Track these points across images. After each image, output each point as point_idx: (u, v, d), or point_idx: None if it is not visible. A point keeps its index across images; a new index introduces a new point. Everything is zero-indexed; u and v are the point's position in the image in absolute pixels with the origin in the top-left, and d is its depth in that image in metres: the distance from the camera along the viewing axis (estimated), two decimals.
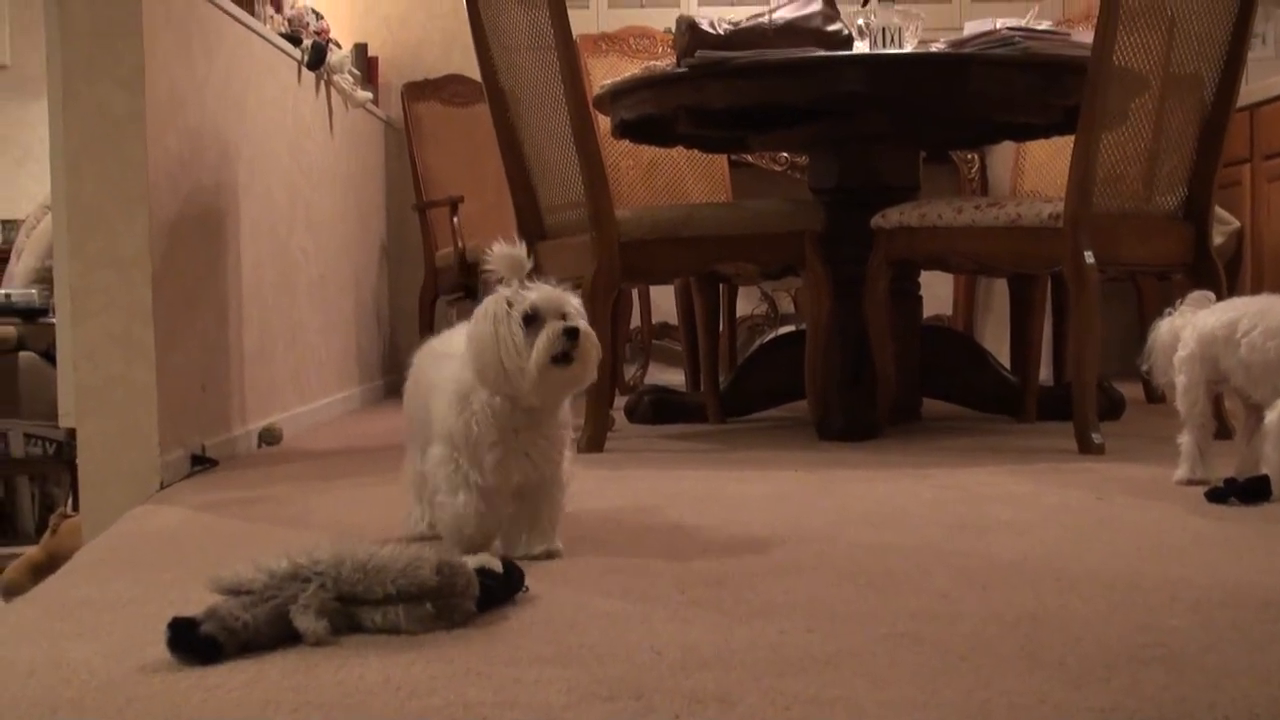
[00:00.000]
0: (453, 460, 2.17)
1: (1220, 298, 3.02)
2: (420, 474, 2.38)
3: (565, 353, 2.07)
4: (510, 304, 2.10)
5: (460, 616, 1.75)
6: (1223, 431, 3.07)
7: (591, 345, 2.12)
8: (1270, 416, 2.66)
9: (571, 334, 2.07)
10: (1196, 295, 3.03)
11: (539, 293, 2.11)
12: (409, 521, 2.48)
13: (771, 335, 5.25)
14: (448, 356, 2.28)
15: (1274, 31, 6.60)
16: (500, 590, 1.85)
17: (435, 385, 2.29)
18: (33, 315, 4.41)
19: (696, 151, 4.83)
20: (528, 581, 1.92)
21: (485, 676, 1.52)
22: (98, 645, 1.72)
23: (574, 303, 2.15)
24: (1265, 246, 5.58)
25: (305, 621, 1.65)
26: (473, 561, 1.83)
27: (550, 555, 2.21)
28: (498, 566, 1.87)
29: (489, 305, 2.13)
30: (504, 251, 2.15)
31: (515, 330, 2.07)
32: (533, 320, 2.08)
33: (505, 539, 2.23)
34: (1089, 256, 3.43)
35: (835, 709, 1.39)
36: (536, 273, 2.17)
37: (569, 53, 3.66)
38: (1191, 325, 2.91)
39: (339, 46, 5.68)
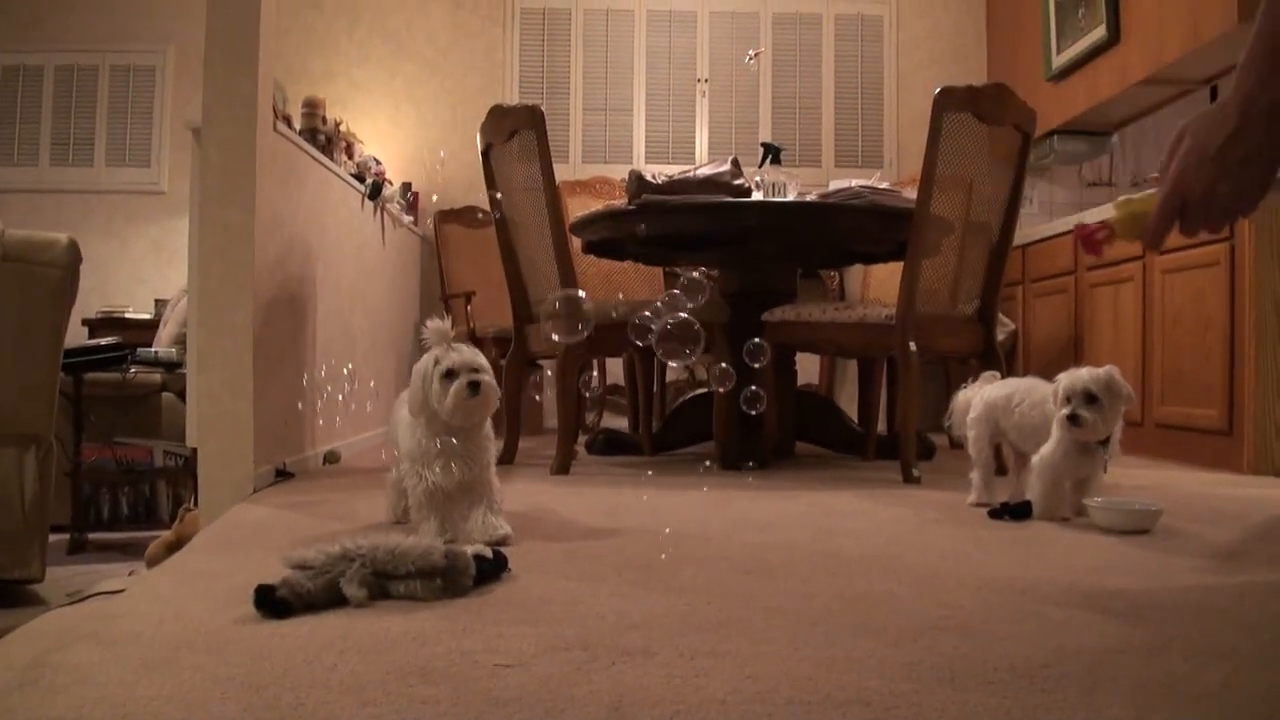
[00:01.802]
0: (416, 473, 2.25)
1: (1001, 377, 3.05)
2: (397, 478, 2.49)
3: (469, 397, 2.17)
4: (437, 361, 2.20)
5: (461, 589, 1.75)
6: (1000, 469, 3.09)
7: (490, 391, 2.21)
8: (1034, 459, 2.69)
9: (474, 386, 2.18)
10: (986, 374, 3.07)
11: (458, 355, 2.21)
12: (388, 514, 2.60)
13: (690, 394, 5.25)
14: (404, 404, 2.38)
15: (1038, 195, 6.73)
16: (490, 571, 1.85)
17: (397, 422, 2.41)
18: (172, 367, 4.37)
19: (641, 264, 4.85)
20: (510, 565, 1.92)
21: (477, 632, 1.51)
22: (207, 602, 1.70)
23: (481, 361, 2.24)
24: (1032, 342, 5.66)
25: (351, 590, 1.65)
26: (471, 549, 1.83)
27: (504, 540, 2.23)
28: (488, 553, 1.87)
29: (422, 362, 2.25)
30: (435, 325, 2.27)
31: (436, 382, 2.19)
32: (451, 375, 2.19)
33: (463, 533, 2.24)
34: (913, 345, 3.46)
35: (726, 659, 1.39)
36: (471, 341, 2.28)
37: (553, 194, 3.67)
38: (980, 395, 2.94)
39: (391, 184, 5.69)
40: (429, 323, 2.26)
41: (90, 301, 6.41)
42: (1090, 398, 2.53)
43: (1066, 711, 1.19)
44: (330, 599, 1.64)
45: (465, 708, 1.19)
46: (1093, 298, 5.00)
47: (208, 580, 1.92)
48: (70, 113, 6.87)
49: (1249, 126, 1.23)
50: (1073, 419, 2.53)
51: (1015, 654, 1.41)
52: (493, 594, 1.78)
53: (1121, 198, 1.45)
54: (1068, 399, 2.56)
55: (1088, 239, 1.55)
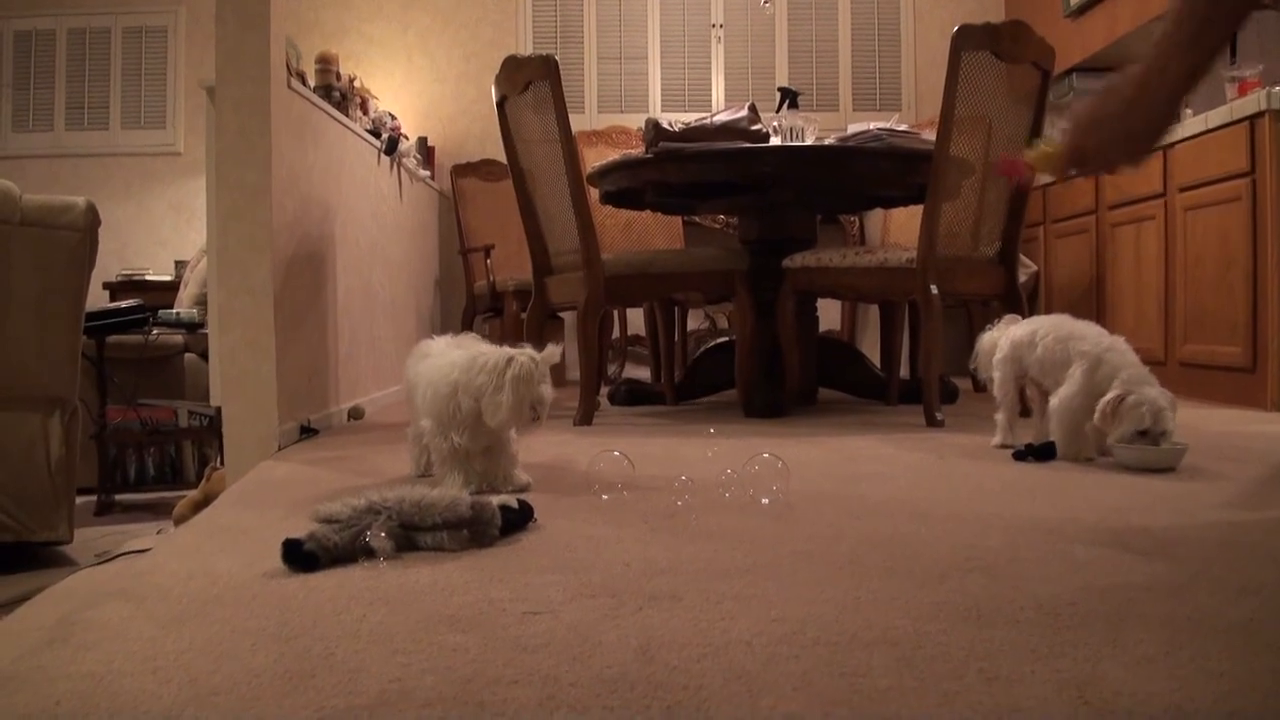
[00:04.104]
0: (442, 433, 2.26)
1: (1024, 318, 3.02)
2: (417, 433, 2.49)
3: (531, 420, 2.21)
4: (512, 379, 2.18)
5: (488, 540, 1.76)
6: (1024, 411, 3.08)
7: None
8: (1053, 402, 2.67)
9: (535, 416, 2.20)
10: (1008, 317, 3.05)
11: (535, 389, 2.19)
12: (413, 467, 2.58)
13: (712, 343, 5.24)
14: (427, 357, 2.40)
15: (1058, 135, 6.62)
16: (516, 520, 1.85)
17: (415, 381, 2.41)
18: (194, 328, 4.38)
19: (659, 214, 4.82)
20: (536, 515, 1.92)
21: (504, 581, 1.52)
22: (235, 558, 1.72)
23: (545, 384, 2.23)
24: (1053, 283, 5.61)
25: (378, 542, 1.66)
26: (496, 500, 1.83)
27: (525, 488, 2.29)
28: (514, 503, 1.87)
29: (451, 374, 2.25)
30: (547, 352, 2.24)
31: (506, 391, 2.18)
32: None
33: (489, 482, 2.29)
34: (934, 289, 3.44)
35: (753, 603, 1.39)
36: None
37: (569, 144, 3.65)
38: (1005, 335, 2.93)
39: (407, 138, 5.66)
40: (542, 352, 2.24)
41: (110, 265, 6.44)
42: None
43: (1094, 648, 1.18)
44: (357, 552, 1.65)
45: (494, 654, 1.20)
46: (1114, 237, 4.95)
47: (235, 536, 1.93)
48: (84, 76, 6.86)
49: (1145, 100, 1.46)
50: (1146, 435, 2.48)
51: (1042, 593, 1.41)
52: (519, 543, 1.79)
53: (1039, 140, 1.70)
54: (1141, 431, 2.47)
55: (1007, 168, 1.84)
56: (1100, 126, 1.52)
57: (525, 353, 2.20)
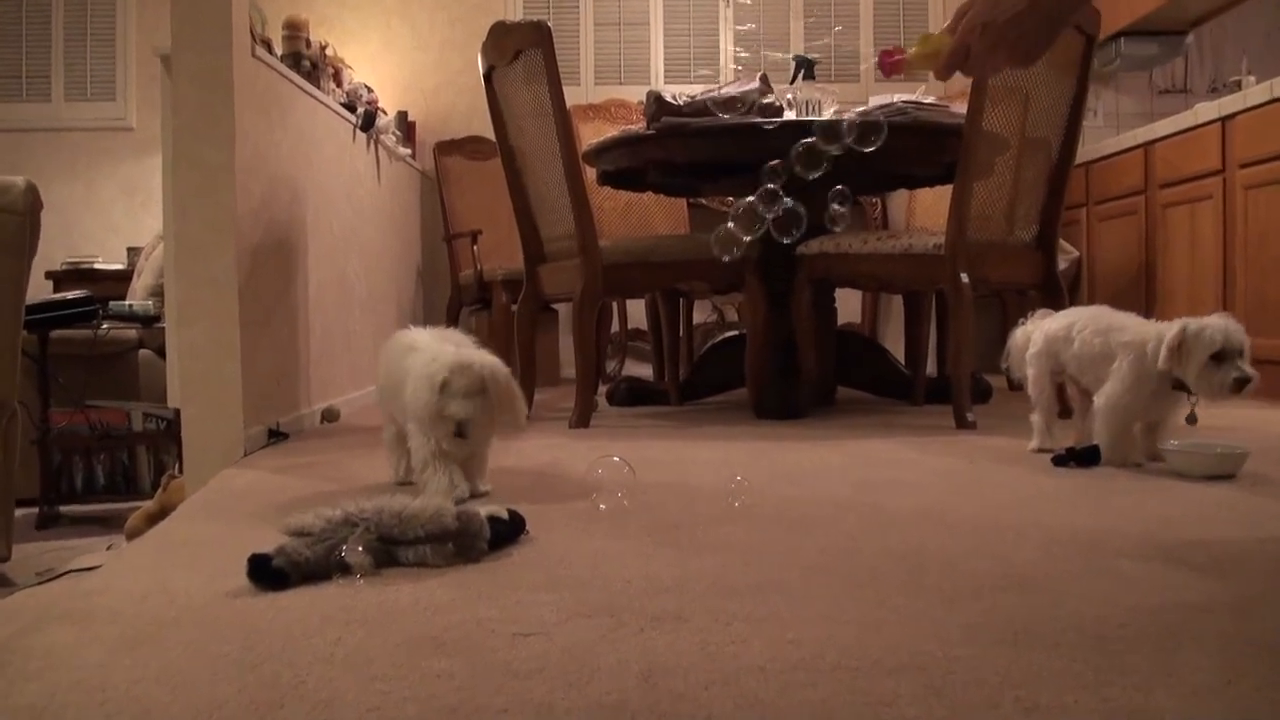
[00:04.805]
0: (423, 433, 2.29)
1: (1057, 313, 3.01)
2: (394, 437, 2.54)
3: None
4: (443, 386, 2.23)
5: (475, 553, 1.76)
6: (1064, 411, 3.07)
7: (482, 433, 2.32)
8: (1099, 401, 2.67)
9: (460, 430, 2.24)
10: (1040, 311, 3.04)
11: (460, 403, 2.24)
12: (394, 473, 2.61)
13: (720, 338, 5.24)
14: (414, 349, 2.40)
15: (1103, 107, 6.63)
16: (506, 533, 1.86)
17: (391, 380, 2.45)
18: (149, 321, 4.39)
19: (662, 195, 4.82)
20: (528, 526, 1.92)
21: (494, 599, 1.52)
22: (195, 575, 1.72)
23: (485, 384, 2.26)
24: (1097, 270, 5.61)
25: (354, 557, 1.66)
26: (484, 510, 1.84)
27: (481, 495, 2.36)
28: (504, 514, 1.87)
29: (428, 369, 2.27)
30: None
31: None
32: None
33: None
34: (964, 277, 3.43)
35: (765, 624, 1.39)
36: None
37: (563, 120, 3.65)
38: (1040, 328, 2.92)
39: (385, 113, 5.66)
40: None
41: (54, 252, 6.42)
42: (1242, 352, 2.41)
43: (1145, 676, 1.18)
44: (331, 568, 1.65)
45: (483, 681, 1.20)
46: (1166, 219, 4.95)
47: (195, 551, 1.93)
48: (21, 41, 6.83)
49: (1034, 11, 1.52)
50: (1242, 382, 2.40)
51: (1086, 613, 1.41)
52: (510, 558, 1.79)
53: (923, 34, 1.71)
54: (1216, 357, 2.41)
55: (887, 61, 1.84)
56: (991, 27, 1.55)
57: (474, 362, 2.25)
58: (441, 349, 2.31)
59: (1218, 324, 2.44)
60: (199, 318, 3.23)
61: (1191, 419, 2.55)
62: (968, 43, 1.57)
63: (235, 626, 1.42)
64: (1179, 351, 2.45)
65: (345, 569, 1.65)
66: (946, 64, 1.61)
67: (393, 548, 1.72)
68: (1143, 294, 5.09)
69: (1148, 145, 5.10)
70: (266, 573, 1.60)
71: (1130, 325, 2.67)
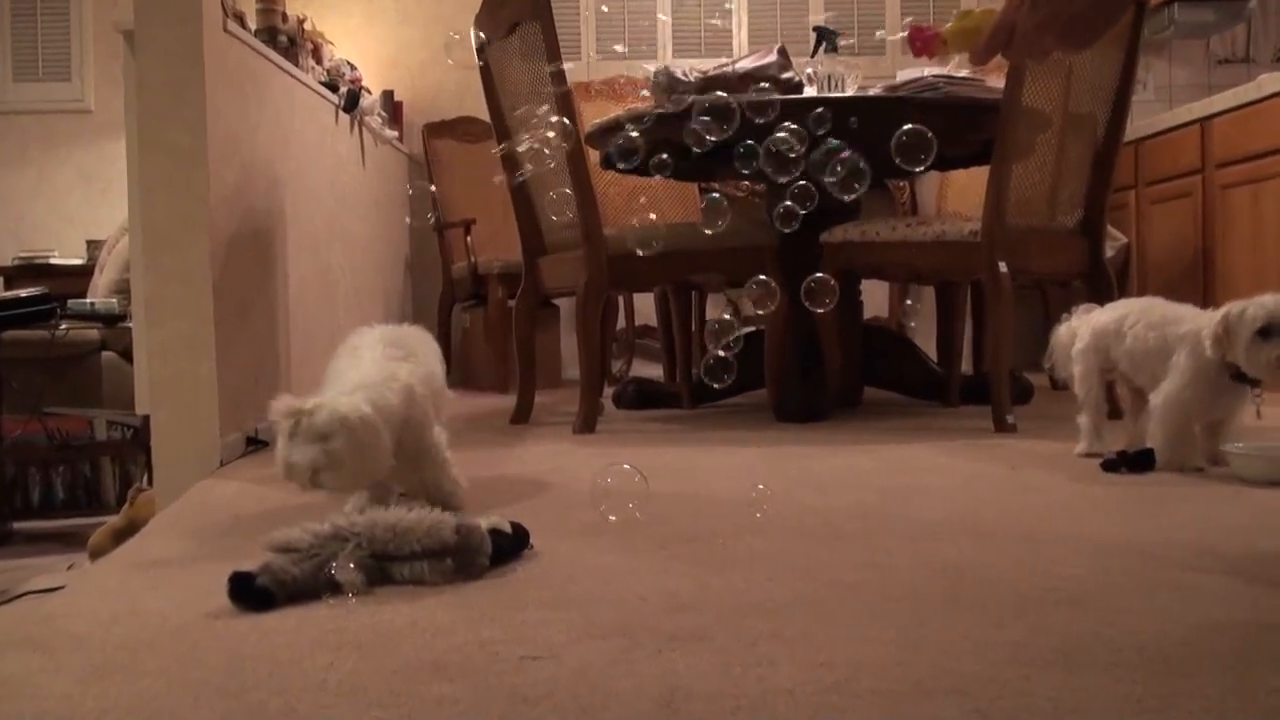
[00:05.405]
0: None
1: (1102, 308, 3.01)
2: None
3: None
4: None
5: (476, 570, 1.76)
6: (1114, 412, 3.07)
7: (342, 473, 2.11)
8: (1154, 400, 2.66)
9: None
10: (1084, 306, 3.04)
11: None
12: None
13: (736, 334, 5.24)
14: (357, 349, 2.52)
15: (1154, 79, 6.62)
16: (509, 547, 1.86)
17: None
18: (113, 320, 4.40)
19: (672, 180, 4.82)
20: (532, 540, 1.93)
21: (497, 619, 1.52)
22: (170, 597, 1.72)
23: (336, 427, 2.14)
24: (1148, 258, 5.60)
25: (345, 574, 1.66)
26: (485, 523, 1.84)
27: (449, 497, 2.32)
28: (506, 527, 1.87)
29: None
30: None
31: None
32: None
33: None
34: (1003, 266, 3.43)
35: (794, 644, 1.39)
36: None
37: (564, 98, 3.65)
38: (1086, 322, 2.92)
39: (370, 93, 5.67)
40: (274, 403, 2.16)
41: (5, 246, 6.45)
42: None
43: (1214, 699, 1.18)
44: (320, 586, 1.65)
45: (487, 707, 1.20)
46: (1225, 201, 4.94)
47: (169, 570, 1.94)
48: None
49: None
50: (1271, 336, 2.38)
51: (1144, 631, 1.41)
52: (513, 574, 1.79)
53: (961, 10, 1.69)
54: (1263, 333, 2.39)
55: (918, 39, 1.82)
56: (1042, 2, 1.46)
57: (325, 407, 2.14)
58: (368, 369, 2.34)
59: (1263, 299, 2.43)
60: (170, 315, 3.23)
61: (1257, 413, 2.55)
62: (1013, 20, 1.49)
63: (216, 651, 1.42)
64: (1225, 337, 2.45)
65: (335, 587, 1.65)
66: (988, 45, 1.54)
67: (387, 564, 1.72)
68: (1199, 284, 5.07)
69: (1204, 121, 5.08)
70: (250, 592, 1.61)
71: (1187, 316, 2.66)
